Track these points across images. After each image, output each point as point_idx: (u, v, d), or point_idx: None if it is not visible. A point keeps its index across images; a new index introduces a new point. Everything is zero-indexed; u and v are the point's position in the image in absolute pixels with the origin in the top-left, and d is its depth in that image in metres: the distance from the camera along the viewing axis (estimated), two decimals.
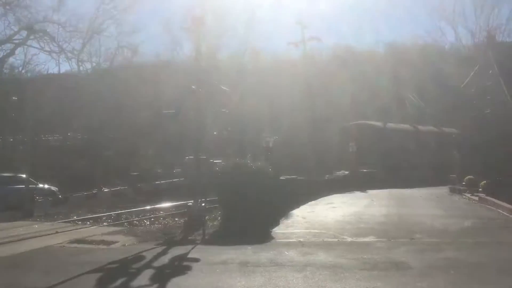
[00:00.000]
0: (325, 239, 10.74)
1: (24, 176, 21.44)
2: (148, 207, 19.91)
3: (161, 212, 18.75)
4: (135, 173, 31.11)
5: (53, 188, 24.43)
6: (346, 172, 28.51)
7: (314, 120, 32.31)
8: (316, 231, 11.77)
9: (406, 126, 38.21)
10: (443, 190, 22.95)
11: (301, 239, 10.74)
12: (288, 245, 10.15)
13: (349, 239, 10.70)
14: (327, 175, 26.57)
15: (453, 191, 22.14)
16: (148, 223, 15.91)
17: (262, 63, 48.16)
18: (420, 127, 38.45)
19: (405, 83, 43.59)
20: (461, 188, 21.13)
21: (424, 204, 17.48)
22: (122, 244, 11.37)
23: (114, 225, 15.15)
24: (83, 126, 39.10)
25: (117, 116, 37.84)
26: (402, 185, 26.14)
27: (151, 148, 34.91)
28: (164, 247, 10.38)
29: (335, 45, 51.58)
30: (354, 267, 7.97)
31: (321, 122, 33.50)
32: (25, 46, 41.41)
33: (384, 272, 7.62)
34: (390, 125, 36.92)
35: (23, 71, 44.00)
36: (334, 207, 17.04)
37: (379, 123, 36.74)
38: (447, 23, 55.14)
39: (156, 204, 20.42)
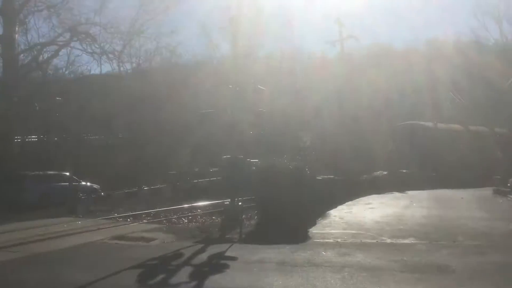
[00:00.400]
0: (363, 240, 10.58)
1: (67, 174, 22.26)
2: (186, 206, 20.14)
3: (198, 210, 18.95)
4: (173, 172, 31.58)
5: (95, 186, 25.14)
6: (385, 173, 28.01)
7: (351, 120, 31.88)
8: (354, 231, 11.61)
9: (455, 126, 37.02)
10: (487, 191, 22.17)
11: (339, 240, 10.63)
12: (325, 245, 10.05)
13: (388, 241, 10.50)
14: (365, 175, 26.15)
15: (497, 192, 21.34)
16: (186, 221, 16.14)
17: (297, 62, 47.93)
18: (471, 127, 37.14)
19: (445, 81, 42.32)
20: (506, 189, 20.37)
21: (466, 206, 16.93)
22: (161, 241, 11.59)
23: (153, 223, 15.44)
24: (123, 126, 40.01)
25: (156, 116, 38.54)
26: (443, 186, 25.45)
27: (189, 147, 35.27)
28: (202, 245, 10.50)
29: (372, 44, 50.72)
30: (394, 269, 7.81)
31: (358, 122, 33.02)
32: (69, 48, 42.59)
33: (425, 275, 7.43)
34: (440, 125, 35.98)
35: (66, 72, 45.45)
36: (372, 207, 16.75)
37: (429, 123, 35.90)
38: (491, 19, 53.05)
39: (194, 203, 20.65)
